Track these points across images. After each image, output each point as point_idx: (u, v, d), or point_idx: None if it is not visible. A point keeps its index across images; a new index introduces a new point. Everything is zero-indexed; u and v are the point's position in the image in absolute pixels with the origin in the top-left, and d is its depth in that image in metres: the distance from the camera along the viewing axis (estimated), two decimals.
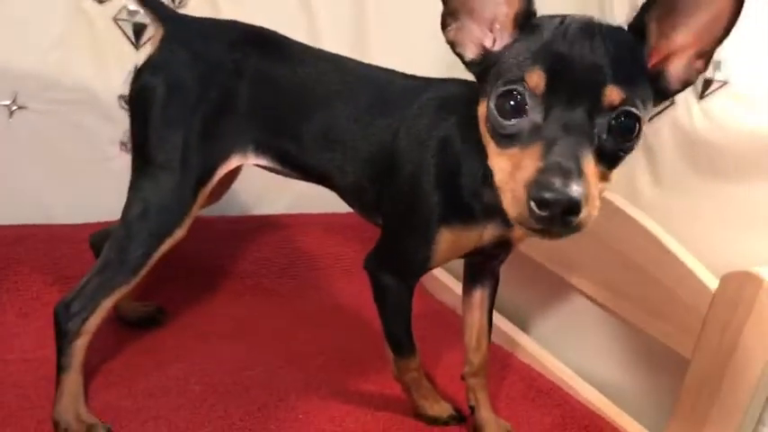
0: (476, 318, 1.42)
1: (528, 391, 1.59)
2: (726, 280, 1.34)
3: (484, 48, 1.07)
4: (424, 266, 1.27)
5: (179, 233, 1.31)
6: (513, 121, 0.98)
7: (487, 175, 1.06)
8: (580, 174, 0.92)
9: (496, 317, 1.51)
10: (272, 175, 1.79)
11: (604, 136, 0.97)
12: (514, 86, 0.98)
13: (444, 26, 1.07)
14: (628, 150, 1.00)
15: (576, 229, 0.93)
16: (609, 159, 0.98)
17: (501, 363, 1.66)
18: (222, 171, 1.35)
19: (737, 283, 1.31)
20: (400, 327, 1.34)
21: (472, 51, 1.07)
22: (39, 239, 1.72)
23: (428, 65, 1.50)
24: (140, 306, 1.68)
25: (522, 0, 1.04)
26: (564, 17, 1.03)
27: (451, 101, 1.25)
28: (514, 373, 1.65)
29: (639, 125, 0.99)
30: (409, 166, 1.25)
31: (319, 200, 1.71)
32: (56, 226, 1.78)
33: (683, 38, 1.02)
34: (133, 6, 1.78)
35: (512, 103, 0.98)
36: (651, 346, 1.57)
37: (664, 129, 1.57)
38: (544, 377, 1.66)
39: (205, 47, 1.35)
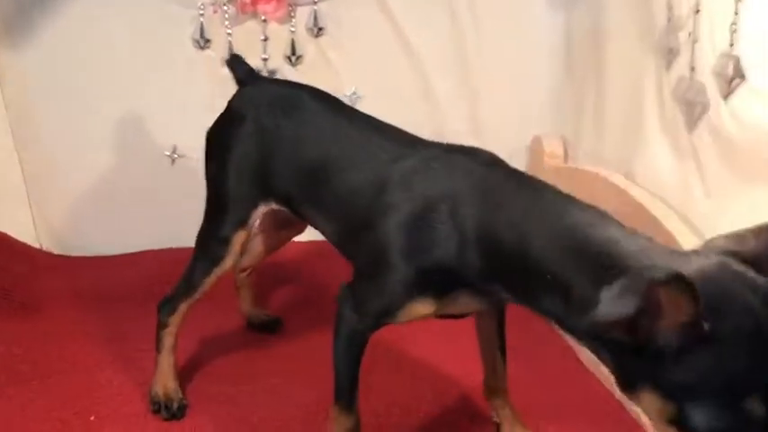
0: (487, 349, 1.49)
1: None
2: None
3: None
4: (383, 321, 1.32)
5: (227, 263, 1.60)
6: None
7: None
8: None
9: None
10: None
11: None
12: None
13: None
14: None
15: None
16: None
17: None
18: (254, 217, 1.58)
19: None
20: (344, 365, 1.35)
21: None
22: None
23: None
24: (263, 314, 2.03)
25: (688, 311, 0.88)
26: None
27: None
28: None
29: None
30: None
31: None
32: None
33: None
34: None
35: None
36: None
37: (704, 135, 1.51)
38: None
39: (243, 108, 1.60)
